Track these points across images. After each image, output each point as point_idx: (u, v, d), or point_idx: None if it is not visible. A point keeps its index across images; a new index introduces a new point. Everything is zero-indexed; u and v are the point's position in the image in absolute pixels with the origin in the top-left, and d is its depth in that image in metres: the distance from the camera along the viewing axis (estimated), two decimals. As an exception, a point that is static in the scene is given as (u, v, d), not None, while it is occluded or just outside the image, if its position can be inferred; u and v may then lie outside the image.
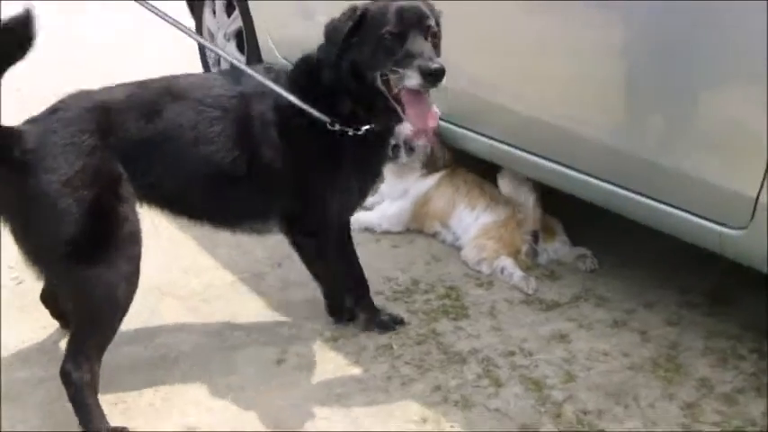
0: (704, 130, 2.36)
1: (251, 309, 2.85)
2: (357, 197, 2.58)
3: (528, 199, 3.10)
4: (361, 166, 2.49)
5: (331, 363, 2.57)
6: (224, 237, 3.18)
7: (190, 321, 2.78)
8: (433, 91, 2.27)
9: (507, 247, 3.06)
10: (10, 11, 2.00)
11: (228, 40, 4.68)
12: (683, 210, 2.44)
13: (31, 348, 2.65)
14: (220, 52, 2.77)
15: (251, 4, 4.30)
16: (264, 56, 4.33)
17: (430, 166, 3.39)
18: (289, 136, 2.37)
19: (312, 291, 2.87)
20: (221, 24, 4.74)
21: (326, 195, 2.47)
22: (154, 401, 2.40)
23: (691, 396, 2.40)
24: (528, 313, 2.83)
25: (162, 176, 2.31)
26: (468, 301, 2.90)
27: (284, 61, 4.11)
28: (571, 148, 2.79)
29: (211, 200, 2.43)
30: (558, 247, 3.15)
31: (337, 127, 2.35)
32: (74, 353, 2.18)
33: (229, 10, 4.65)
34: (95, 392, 2.21)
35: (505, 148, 2.99)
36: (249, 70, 2.41)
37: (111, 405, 2.37)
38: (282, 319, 2.80)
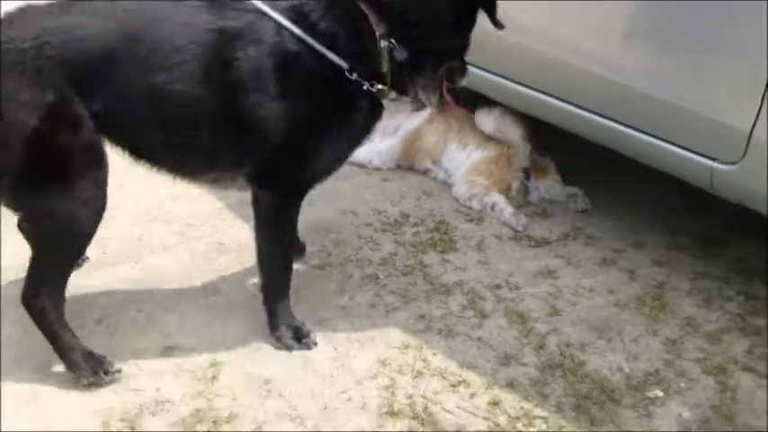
0: (698, 62, 2.31)
1: (237, 234, 2.83)
2: (341, 160, 2.34)
3: (515, 135, 3.07)
4: (358, 127, 2.25)
5: (317, 289, 2.57)
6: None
7: (176, 245, 2.77)
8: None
9: (498, 184, 3.04)
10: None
11: None
12: (673, 143, 2.42)
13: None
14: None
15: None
16: None
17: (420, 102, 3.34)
18: (287, 86, 2.09)
19: (300, 220, 2.86)
20: None
21: (315, 152, 2.21)
22: (137, 319, 2.40)
23: (674, 333, 2.40)
24: (516, 249, 2.82)
25: (116, 110, 2.06)
26: (456, 235, 2.89)
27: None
28: (559, 79, 2.76)
29: (176, 144, 2.18)
30: (549, 186, 3.12)
31: (355, 76, 2.11)
32: (34, 281, 2.10)
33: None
34: (61, 318, 2.14)
35: (496, 79, 2.95)
36: (277, 16, 2.08)
37: (95, 323, 2.37)
38: (269, 246, 2.78)
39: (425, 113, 3.31)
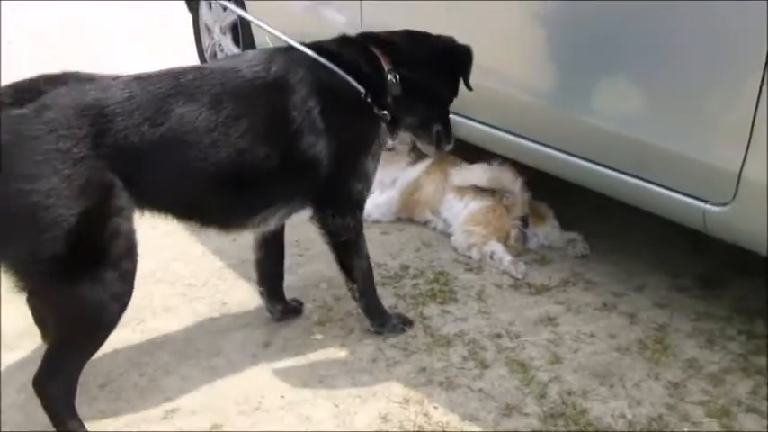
0: (684, 105, 2.34)
1: (239, 294, 2.85)
2: (375, 172, 2.51)
3: (513, 185, 3.10)
4: (378, 148, 2.48)
5: (317, 346, 2.57)
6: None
7: (178, 306, 2.79)
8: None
9: (496, 233, 3.06)
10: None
11: (225, 33, 4.71)
12: (665, 187, 2.43)
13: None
14: (274, 32, 2.47)
15: (247, -2, 4.33)
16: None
17: (417, 152, 3.38)
18: (328, 118, 2.28)
19: (299, 277, 2.90)
20: (217, 18, 4.76)
21: (360, 167, 2.41)
22: (139, 383, 2.41)
23: (677, 376, 2.38)
24: (516, 297, 2.82)
25: (170, 183, 2.13)
26: (456, 285, 2.90)
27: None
28: (554, 129, 2.79)
29: (231, 200, 2.26)
30: (548, 232, 3.14)
31: (369, 99, 2.36)
32: (50, 367, 2.06)
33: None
34: (71, 404, 2.10)
35: (495, 132, 2.99)
36: (306, 50, 2.32)
37: (98, 387, 2.38)
38: (270, 303, 2.80)
39: (423, 165, 3.35)
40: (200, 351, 2.55)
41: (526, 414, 2.24)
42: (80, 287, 1.97)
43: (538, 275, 2.95)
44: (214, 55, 4.85)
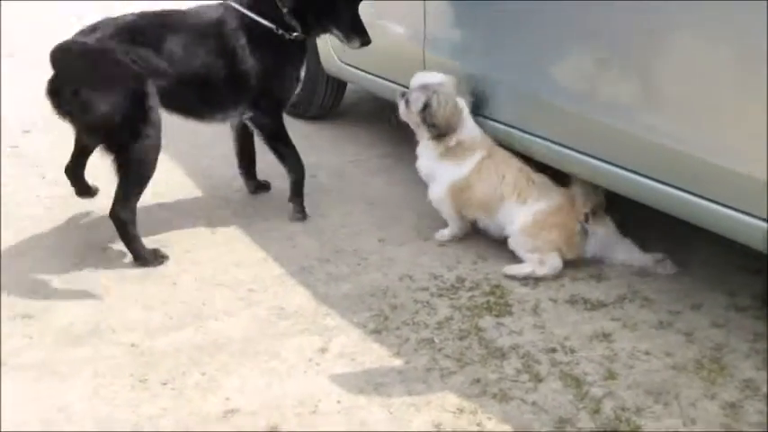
0: (748, 124, 2.33)
1: (297, 300, 2.92)
2: (295, 84, 3.55)
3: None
4: (295, 62, 3.49)
5: (373, 354, 2.62)
6: (276, 233, 3.32)
7: (239, 310, 2.87)
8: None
9: (563, 234, 3.04)
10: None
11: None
12: (725, 205, 2.42)
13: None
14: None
15: None
16: (324, 61, 4.44)
17: (461, 147, 3.25)
18: (252, 44, 3.32)
19: (356, 285, 2.96)
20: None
21: (279, 83, 3.46)
22: (200, 382, 2.49)
23: (733, 396, 2.37)
24: (572, 312, 2.83)
25: (170, 84, 3.17)
26: (512, 298, 2.92)
27: (346, 68, 4.22)
28: (620, 146, 2.80)
29: (201, 97, 3.36)
30: (606, 234, 3.09)
31: (281, 32, 3.37)
32: (122, 199, 3.14)
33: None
34: (135, 225, 3.16)
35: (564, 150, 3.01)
36: (235, 4, 3.37)
37: (161, 384, 2.47)
38: (328, 310, 2.86)
39: (471, 163, 3.22)
40: (259, 354, 2.62)
41: (579, 429, 2.26)
42: (138, 141, 3.08)
43: (594, 291, 2.95)
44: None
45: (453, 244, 3.33)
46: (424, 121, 3.20)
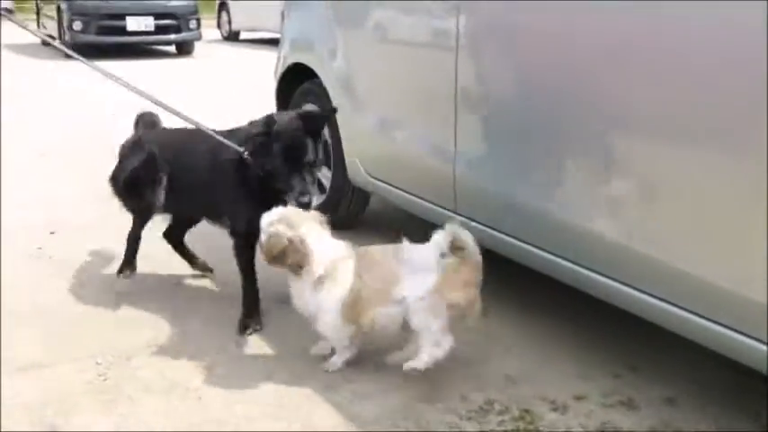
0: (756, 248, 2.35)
1: (329, 420, 2.90)
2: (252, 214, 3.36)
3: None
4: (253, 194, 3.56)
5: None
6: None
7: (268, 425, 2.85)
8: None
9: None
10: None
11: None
12: (754, 338, 2.43)
13: None
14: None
15: (339, 122, 4.53)
16: (350, 172, 4.52)
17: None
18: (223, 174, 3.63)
19: (384, 405, 2.93)
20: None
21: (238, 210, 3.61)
22: None
23: None
24: (603, 443, 2.80)
25: (173, 187, 3.78)
26: (542, 425, 2.88)
27: (371, 180, 4.29)
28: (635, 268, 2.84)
29: (193, 204, 3.86)
30: None
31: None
32: None
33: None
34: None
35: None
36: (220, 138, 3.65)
37: None
38: (357, 432, 2.83)
39: (346, 279, 3.10)
40: None
41: None
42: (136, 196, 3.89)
43: (625, 420, 2.92)
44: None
45: (480, 363, 3.31)
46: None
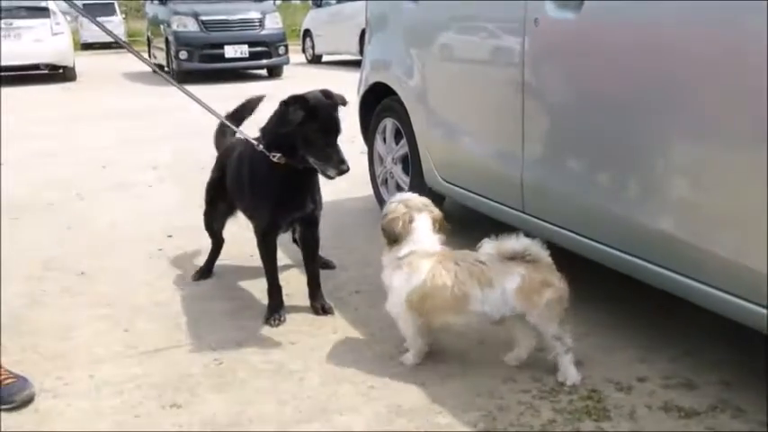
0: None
1: (414, 398, 3.23)
2: (272, 208, 3.94)
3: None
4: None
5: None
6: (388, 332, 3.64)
7: (360, 405, 3.21)
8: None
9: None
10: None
11: (396, 163, 5.31)
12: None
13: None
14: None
15: (417, 133, 4.91)
16: (426, 177, 4.88)
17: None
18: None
19: (466, 384, 3.25)
20: (389, 150, 5.39)
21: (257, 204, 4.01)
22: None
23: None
24: (667, 421, 3.03)
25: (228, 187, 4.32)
26: (609, 403, 3.15)
27: (445, 184, 4.64)
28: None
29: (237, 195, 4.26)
30: None
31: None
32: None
33: (397, 137, 5.30)
34: None
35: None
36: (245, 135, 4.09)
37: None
38: (439, 408, 3.16)
39: (426, 266, 3.38)
40: None
41: None
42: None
43: (686, 399, 3.16)
44: (385, 182, 5.46)
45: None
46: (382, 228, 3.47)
